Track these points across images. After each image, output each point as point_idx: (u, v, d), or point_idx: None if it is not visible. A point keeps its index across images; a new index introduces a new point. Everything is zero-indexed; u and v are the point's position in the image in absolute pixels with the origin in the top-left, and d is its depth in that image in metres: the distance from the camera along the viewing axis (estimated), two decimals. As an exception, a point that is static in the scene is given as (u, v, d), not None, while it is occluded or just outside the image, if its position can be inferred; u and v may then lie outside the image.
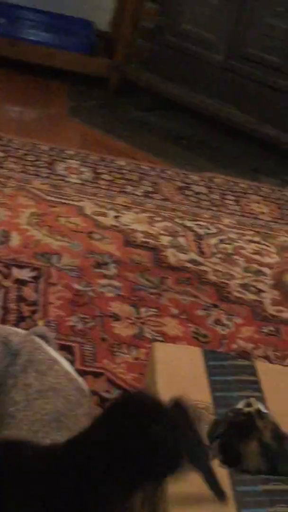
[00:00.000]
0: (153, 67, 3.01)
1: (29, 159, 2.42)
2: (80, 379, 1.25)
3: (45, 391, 1.16)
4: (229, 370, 1.21)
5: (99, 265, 1.91)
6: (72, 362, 1.49)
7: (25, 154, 2.44)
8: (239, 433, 1.03)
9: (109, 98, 3.11)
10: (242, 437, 1.03)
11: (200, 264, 2.02)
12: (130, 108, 3.06)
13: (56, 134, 2.70)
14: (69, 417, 1.14)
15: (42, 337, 1.25)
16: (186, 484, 0.97)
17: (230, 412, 1.05)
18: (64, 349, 1.55)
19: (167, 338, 1.67)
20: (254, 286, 1.96)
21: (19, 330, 1.27)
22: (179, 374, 1.18)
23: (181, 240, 2.12)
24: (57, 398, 1.16)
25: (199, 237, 2.15)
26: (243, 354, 1.66)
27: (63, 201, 2.20)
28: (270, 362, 1.66)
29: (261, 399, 1.12)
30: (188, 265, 2.00)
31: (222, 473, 0.99)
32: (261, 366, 1.24)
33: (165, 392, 1.13)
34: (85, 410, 1.17)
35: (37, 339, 1.23)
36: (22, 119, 2.80)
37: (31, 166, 2.37)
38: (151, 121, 3.00)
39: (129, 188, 2.37)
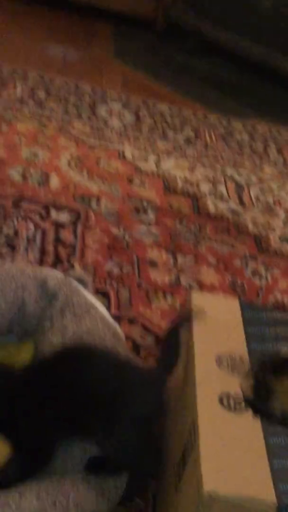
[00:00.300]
0: (200, 11, 2.94)
1: (71, 99, 2.39)
2: (115, 324, 1.25)
3: (81, 334, 1.16)
4: (265, 322, 1.20)
5: (137, 210, 1.89)
6: (107, 307, 1.49)
7: (67, 95, 2.42)
8: (273, 371, 1.03)
9: (154, 41, 3.05)
10: (276, 374, 1.02)
11: (240, 214, 1.99)
12: (175, 52, 3.00)
13: (99, 75, 2.67)
14: None
15: (80, 281, 1.25)
16: (218, 432, 0.97)
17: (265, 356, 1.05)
18: (100, 293, 1.55)
19: (203, 287, 1.66)
20: (293, 238, 1.94)
21: (57, 273, 1.27)
22: (215, 324, 1.17)
23: (221, 188, 2.10)
24: (92, 341, 1.16)
25: (239, 186, 2.13)
26: (280, 307, 1.65)
27: (104, 144, 2.18)
28: (306, 315, 1.64)
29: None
30: (228, 214, 1.98)
31: (255, 424, 0.99)
32: (299, 320, 1.23)
33: (201, 341, 1.13)
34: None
35: (75, 283, 1.23)
36: (65, 59, 2.77)
37: (72, 107, 2.35)
38: (196, 66, 2.95)
39: (170, 133, 2.34)
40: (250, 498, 0.89)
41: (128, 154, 2.15)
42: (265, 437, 0.98)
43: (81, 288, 1.23)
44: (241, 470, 0.93)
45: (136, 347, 1.44)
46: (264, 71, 2.83)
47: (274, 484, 0.91)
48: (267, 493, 0.90)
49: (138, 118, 2.39)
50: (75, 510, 0.96)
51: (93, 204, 1.87)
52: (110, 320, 1.25)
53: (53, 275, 1.24)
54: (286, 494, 0.90)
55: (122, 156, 2.13)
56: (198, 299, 1.23)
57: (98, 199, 1.89)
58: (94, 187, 1.94)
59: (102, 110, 2.38)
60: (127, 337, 1.43)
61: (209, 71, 2.93)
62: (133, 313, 1.53)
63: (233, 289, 1.68)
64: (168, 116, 2.46)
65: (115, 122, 2.32)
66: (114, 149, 2.16)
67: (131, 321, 1.51)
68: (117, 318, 1.44)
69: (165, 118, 2.44)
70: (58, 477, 0.99)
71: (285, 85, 2.82)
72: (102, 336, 1.18)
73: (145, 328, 1.50)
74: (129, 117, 2.38)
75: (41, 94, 2.39)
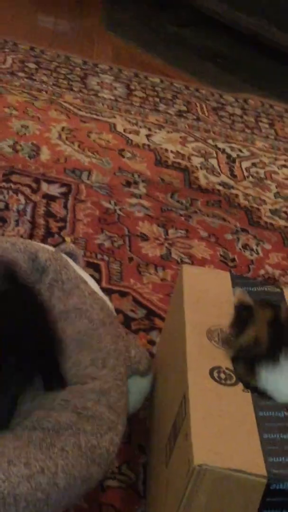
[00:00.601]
0: (192, -19, 2.91)
1: (62, 72, 2.37)
2: (105, 298, 1.25)
3: (68, 312, 1.16)
4: (257, 296, 1.19)
5: (129, 184, 1.88)
6: (98, 280, 1.49)
7: (58, 67, 2.40)
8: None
9: (146, 12, 3.02)
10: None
11: (231, 187, 1.99)
12: (166, 23, 2.98)
13: (90, 47, 2.64)
14: (92, 336, 1.14)
15: (70, 255, 1.24)
16: (209, 405, 0.97)
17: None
18: (91, 266, 1.55)
19: (195, 261, 1.66)
20: (285, 212, 1.93)
21: (48, 247, 1.27)
22: (206, 297, 1.17)
23: (213, 162, 2.09)
24: (80, 319, 1.16)
25: (231, 160, 2.12)
26: (270, 280, 1.65)
27: (95, 116, 2.16)
28: (297, 289, 1.64)
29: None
30: (219, 187, 1.97)
31: (245, 398, 0.99)
32: (290, 294, 1.23)
33: (191, 315, 1.13)
34: (108, 329, 1.17)
35: (65, 257, 1.22)
36: (55, 30, 2.74)
37: (63, 79, 2.33)
38: (188, 37, 2.92)
39: (162, 106, 2.32)
40: (241, 471, 0.89)
41: (119, 127, 2.14)
42: (256, 411, 0.98)
43: (71, 262, 1.23)
44: (231, 443, 0.93)
45: (127, 320, 1.44)
46: (258, 44, 2.81)
47: (264, 457, 0.91)
48: (257, 466, 0.90)
49: (129, 90, 2.37)
50: (63, 476, 0.96)
51: (84, 177, 1.86)
52: (100, 294, 1.25)
53: (44, 249, 1.23)
54: (275, 467, 0.90)
55: (113, 129, 2.12)
56: (189, 272, 1.22)
57: (89, 172, 1.88)
58: (85, 160, 1.93)
59: (93, 83, 2.36)
60: (118, 311, 1.42)
61: (202, 43, 2.91)
62: (124, 286, 1.53)
63: (224, 262, 1.68)
64: (160, 88, 2.45)
65: (106, 95, 2.31)
66: (106, 121, 2.15)
67: (122, 295, 1.51)
68: (108, 291, 1.44)
69: (156, 91, 2.42)
70: (48, 441, 0.98)
71: (278, 58, 2.80)
72: (90, 311, 1.17)
73: (136, 301, 1.50)
74: (120, 90, 2.36)
75: (32, 66, 2.37)
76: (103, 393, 1.07)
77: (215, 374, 1.02)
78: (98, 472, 1.00)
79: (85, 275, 1.24)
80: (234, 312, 1.07)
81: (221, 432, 0.94)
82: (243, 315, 1.06)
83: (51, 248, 1.25)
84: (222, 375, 1.03)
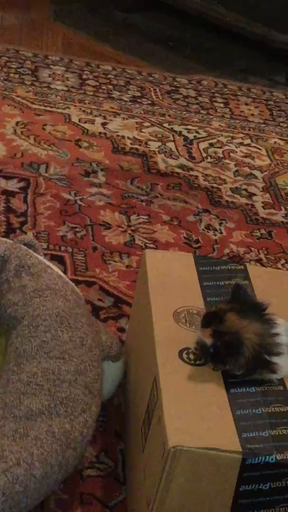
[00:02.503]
0: None
1: (12, 66, 2.35)
2: (72, 283, 1.24)
3: (43, 290, 1.15)
4: (221, 275, 1.20)
5: (88, 173, 1.88)
6: (64, 272, 1.48)
7: (8, 61, 2.38)
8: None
9: (93, 0, 3.00)
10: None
11: (190, 169, 1.99)
12: (114, 10, 2.96)
13: (39, 39, 2.62)
14: (70, 315, 1.13)
15: (29, 246, 1.24)
16: (180, 387, 0.98)
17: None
18: (55, 259, 1.54)
19: (159, 245, 1.66)
20: (245, 190, 1.94)
21: (5, 239, 1.26)
22: (171, 280, 1.17)
23: (171, 145, 2.08)
24: (56, 297, 1.15)
25: (188, 142, 2.12)
26: (236, 258, 1.66)
27: (49, 109, 2.15)
28: (263, 265, 1.66)
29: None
30: (178, 170, 1.97)
31: (216, 377, 1.00)
32: (253, 270, 1.24)
33: (157, 299, 1.13)
34: (83, 311, 1.17)
35: (24, 248, 1.22)
36: (3, 24, 2.71)
37: (14, 73, 2.31)
38: (137, 23, 2.91)
39: (116, 94, 2.32)
40: (215, 449, 0.90)
41: (74, 117, 2.12)
42: (227, 388, 0.99)
43: (31, 252, 1.22)
44: (205, 422, 0.94)
45: (95, 310, 1.44)
46: (207, 24, 2.80)
47: (238, 433, 0.92)
48: (232, 443, 0.91)
49: (82, 80, 2.36)
50: (40, 466, 0.96)
51: (42, 170, 1.85)
52: (67, 279, 1.24)
53: (1, 241, 1.22)
54: (250, 442, 0.91)
55: (68, 119, 2.11)
56: (152, 257, 1.22)
57: (47, 165, 1.87)
58: (42, 153, 1.92)
59: (44, 75, 2.34)
60: (86, 300, 1.42)
61: (152, 28, 2.90)
62: (89, 276, 1.53)
63: (188, 244, 1.68)
64: (113, 76, 2.44)
65: (59, 86, 2.29)
66: (60, 113, 2.14)
67: (89, 284, 1.50)
68: (75, 282, 1.43)
69: (109, 79, 2.41)
70: (21, 431, 0.98)
71: (228, 37, 2.80)
72: (64, 291, 1.17)
73: (103, 290, 1.50)
74: (72, 80, 2.35)
75: (-19, 62, 2.35)
76: (79, 373, 1.07)
77: (184, 356, 1.03)
78: (74, 456, 1.00)
79: (49, 263, 1.24)
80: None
81: (193, 412, 0.95)
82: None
83: (9, 241, 1.24)
84: (192, 356, 1.03)
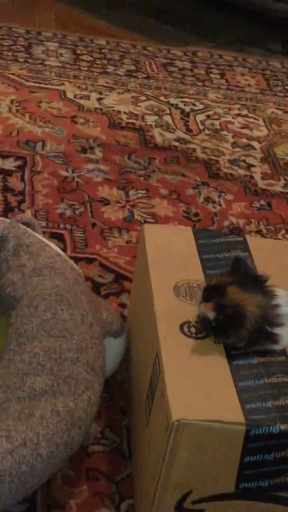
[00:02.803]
0: None
1: (5, 43, 2.33)
2: (71, 261, 1.24)
3: (41, 269, 1.15)
4: (220, 247, 1.20)
5: (84, 150, 1.86)
6: (63, 250, 1.48)
7: (1, 39, 2.35)
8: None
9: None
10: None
11: (188, 142, 1.97)
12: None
13: (31, 16, 2.60)
14: (70, 292, 1.13)
15: (28, 224, 1.23)
16: (182, 360, 0.98)
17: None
18: (55, 237, 1.54)
19: (158, 220, 1.65)
20: (243, 161, 1.93)
21: (3, 218, 1.25)
22: (170, 254, 1.16)
23: (167, 118, 2.07)
24: (55, 275, 1.14)
25: (185, 115, 2.10)
26: (236, 230, 1.65)
27: (44, 86, 2.13)
28: (263, 236, 1.65)
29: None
30: (176, 143, 1.96)
31: (218, 349, 1.00)
32: (253, 241, 1.23)
33: (157, 273, 1.12)
34: (82, 288, 1.16)
35: (23, 226, 1.21)
36: (-5, 2, 2.68)
37: (7, 51, 2.29)
38: (129, -5, 2.88)
39: (110, 68, 2.30)
40: (219, 421, 0.90)
41: (69, 94, 2.11)
42: (229, 360, 0.98)
43: (30, 230, 1.22)
44: (208, 395, 0.94)
45: (96, 286, 1.44)
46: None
47: (241, 404, 0.92)
48: (235, 414, 0.91)
49: (76, 55, 2.34)
50: (46, 445, 0.96)
51: (39, 148, 1.83)
52: (66, 257, 1.24)
53: (0, 220, 1.22)
54: (253, 413, 0.91)
55: (63, 96, 2.09)
56: (151, 231, 1.22)
57: (43, 143, 1.86)
58: (38, 130, 1.91)
59: (38, 52, 2.32)
60: (86, 278, 1.42)
61: (146, 0, 2.87)
62: (89, 253, 1.52)
63: (188, 218, 1.68)
64: (107, 50, 2.42)
65: (53, 62, 2.27)
66: (55, 89, 2.12)
67: (89, 261, 1.50)
68: (74, 259, 1.42)
69: (103, 53, 2.39)
70: (26, 411, 0.98)
71: (222, 7, 2.77)
72: (62, 269, 1.16)
73: (103, 266, 1.49)
74: (66, 56, 2.33)
75: (-26, 41, 2.33)
76: (81, 351, 1.06)
77: (186, 329, 1.03)
78: (79, 434, 1.01)
79: (47, 242, 1.23)
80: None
81: (196, 385, 0.95)
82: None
83: (6, 220, 1.23)
84: (193, 329, 1.03)
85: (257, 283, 1.02)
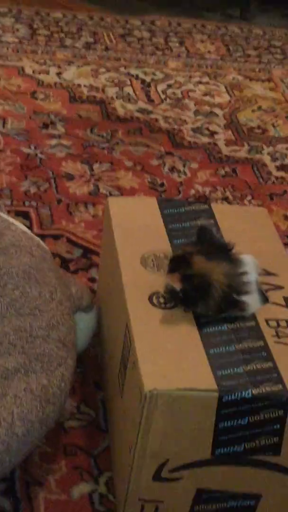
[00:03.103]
0: None
1: None
2: (38, 238, 1.23)
3: (7, 248, 1.14)
4: (186, 216, 1.19)
5: (46, 125, 1.85)
6: (29, 227, 1.47)
7: None
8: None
9: None
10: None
11: (150, 112, 1.96)
12: None
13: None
14: (37, 270, 1.12)
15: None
16: (153, 331, 0.98)
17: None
18: (20, 215, 1.53)
19: (124, 192, 1.65)
20: (207, 129, 1.92)
21: None
22: (136, 226, 1.16)
23: (128, 89, 2.06)
24: (21, 253, 1.13)
25: (146, 85, 2.09)
26: (202, 199, 1.65)
27: (1, 62, 2.10)
28: (230, 203, 1.65)
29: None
30: (138, 114, 1.95)
31: (187, 318, 1.00)
32: (219, 209, 1.23)
33: (123, 245, 1.12)
34: (50, 265, 1.16)
35: (-14, 207, 1.20)
36: None
37: None
38: None
39: (68, 42, 2.27)
40: (192, 389, 0.90)
41: (28, 69, 2.08)
42: (199, 329, 0.98)
43: (-7, 211, 1.20)
44: (179, 364, 0.94)
45: (64, 262, 1.43)
46: None
47: (212, 371, 0.92)
48: (207, 381, 0.91)
49: (32, 30, 2.31)
50: (21, 424, 0.96)
51: (-1, 126, 1.82)
52: (32, 234, 1.23)
53: None
54: (225, 379, 0.91)
55: (22, 72, 2.07)
56: (115, 204, 1.21)
57: (4, 120, 1.84)
58: (-3, 108, 1.89)
59: (-6, 28, 2.29)
60: (54, 254, 1.41)
61: None
62: (56, 229, 1.51)
63: (153, 189, 1.67)
64: (64, 23, 2.39)
65: (9, 38, 2.24)
66: (13, 66, 2.09)
67: (56, 237, 1.49)
68: (41, 237, 1.41)
69: (60, 26, 2.36)
70: (0, 391, 0.97)
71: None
72: (29, 247, 1.15)
73: (70, 242, 1.49)
74: (23, 31, 2.30)
75: None
76: (52, 328, 1.06)
77: (154, 300, 1.02)
78: (54, 411, 1.01)
79: (12, 220, 1.22)
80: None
81: (167, 355, 0.95)
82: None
83: None
84: (161, 300, 1.03)
85: (223, 252, 1.02)
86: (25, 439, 0.97)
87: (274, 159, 1.82)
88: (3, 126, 1.81)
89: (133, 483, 0.96)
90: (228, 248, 1.03)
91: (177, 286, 0.99)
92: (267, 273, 1.08)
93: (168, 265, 1.02)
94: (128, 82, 2.09)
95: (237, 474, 0.96)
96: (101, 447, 1.10)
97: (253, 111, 2.02)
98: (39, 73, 2.07)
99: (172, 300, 1.02)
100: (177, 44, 2.35)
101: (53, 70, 2.10)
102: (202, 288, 0.98)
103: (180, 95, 2.06)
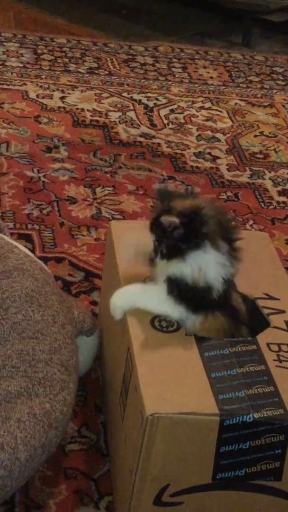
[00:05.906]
0: None
1: None
2: (40, 262, 1.24)
3: (10, 271, 1.14)
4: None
5: (49, 149, 1.86)
6: (32, 250, 1.47)
7: None
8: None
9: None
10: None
11: (153, 137, 1.98)
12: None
13: (-10, 17, 2.58)
14: (40, 293, 1.13)
15: (-5, 228, 1.23)
16: (154, 355, 0.98)
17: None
18: (23, 238, 1.53)
19: (126, 216, 1.65)
20: (209, 154, 1.93)
21: None
22: (138, 250, 1.16)
23: (131, 114, 2.07)
24: (24, 277, 1.14)
25: (149, 110, 2.10)
26: (204, 222, 1.65)
27: (5, 86, 2.12)
28: (231, 227, 1.65)
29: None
30: (141, 139, 1.96)
31: (189, 342, 1.00)
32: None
33: (125, 268, 1.13)
34: (53, 289, 1.16)
35: (-10, 230, 1.21)
36: None
37: None
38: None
39: (72, 66, 2.29)
40: (193, 413, 0.90)
41: (32, 94, 2.10)
42: (201, 352, 0.99)
43: (-2, 234, 1.21)
44: (181, 388, 0.94)
45: (66, 285, 1.44)
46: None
47: (214, 396, 0.92)
48: (209, 406, 0.91)
49: (37, 55, 2.33)
50: (24, 449, 0.95)
51: (3, 149, 1.82)
52: (35, 258, 1.24)
53: None
54: (226, 403, 0.91)
55: (26, 96, 2.08)
56: (117, 227, 1.22)
57: (8, 144, 1.85)
58: (1, 132, 1.90)
59: (-2, 52, 2.31)
60: (57, 277, 1.42)
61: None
62: (58, 252, 1.52)
63: (155, 213, 1.67)
64: (68, 48, 2.41)
65: (14, 63, 2.26)
66: (17, 90, 2.11)
67: (58, 261, 1.50)
68: (43, 259, 1.42)
69: (64, 52, 2.38)
70: (3, 414, 0.97)
71: (182, 2, 2.77)
72: (32, 270, 1.16)
73: (72, 265, 1.49)
74: (27, 56, 2.32)
75: None
76: (54, 352, 1.06)
77: (156, 323, 1.03)
78: (56, 435, 1.01)
79: (16, 244, 1.23)
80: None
81: (169, 378, 0.95)
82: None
83: (-27, 224, 1.23)
84: (164, 323, 1.03)
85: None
86: (27, 464, 0.97)
87: (276, 184, 1.83)
88: (7, 150, 1.82)
89: (134, 508, 0.96)
90: (193, 193, 1.06)
91: (176, 220, 1.00)
92: (269, 297, 1.09)
93: (149, 227, 1.04)
94: (131, 107, 2.10)
95: (238, 499, 0.95)
96: (101, 470, 1.10)
97: (255, 136, 2.03)
98: (43, 97, 2.09)
99: (157, 253, 1.03)
100: (179, 70, 2.37)
101: (56, 95, 2.11)
102: (197, 217, 0.99)
103: (182, 120, 2.07)
